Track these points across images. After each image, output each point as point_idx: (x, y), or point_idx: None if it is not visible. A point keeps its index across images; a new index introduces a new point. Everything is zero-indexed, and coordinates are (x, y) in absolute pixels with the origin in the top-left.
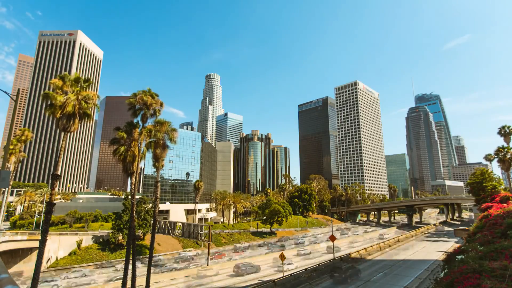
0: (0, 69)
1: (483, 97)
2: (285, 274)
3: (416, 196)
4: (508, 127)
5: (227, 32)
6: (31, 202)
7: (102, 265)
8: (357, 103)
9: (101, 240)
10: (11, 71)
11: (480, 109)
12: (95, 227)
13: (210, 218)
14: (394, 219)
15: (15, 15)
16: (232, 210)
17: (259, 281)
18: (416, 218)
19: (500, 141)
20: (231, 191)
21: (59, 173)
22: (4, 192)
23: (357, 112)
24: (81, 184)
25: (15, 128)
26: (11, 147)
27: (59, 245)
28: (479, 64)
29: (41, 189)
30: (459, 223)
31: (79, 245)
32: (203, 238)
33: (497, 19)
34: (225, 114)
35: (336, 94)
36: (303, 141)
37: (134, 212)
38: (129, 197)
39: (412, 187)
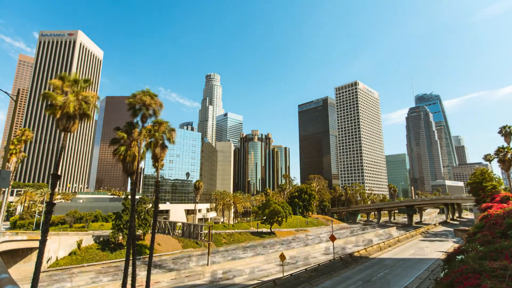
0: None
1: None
2: (285, 274)
3: (416, 196)
4: (509, 127)
5: (227, 32)
6: (31, 202)
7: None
8: (357, 103)
9: (101, 240)
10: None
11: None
12: (95, 227)
13: (210, 218)
14: (394, 219)
15: None
16: (232, 210)
17: (259, 281)
18: (416, 218)
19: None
20: (231, 191)
21: (59, 173)
22: (4, 192)
23: (357, 112)
24: (81, 184)
25: (15, 128)
26: (12, 147)
27: (59, 245)
28: None
29: (41, 189)
30: (459, 223)
31: (79, 245)
32: (203, 238)
33: None
34: (225, 114)
35: (336, 94)
36: (303, 141)
37: (134, 212)
38: (129, 197)
39: (412, 187)
